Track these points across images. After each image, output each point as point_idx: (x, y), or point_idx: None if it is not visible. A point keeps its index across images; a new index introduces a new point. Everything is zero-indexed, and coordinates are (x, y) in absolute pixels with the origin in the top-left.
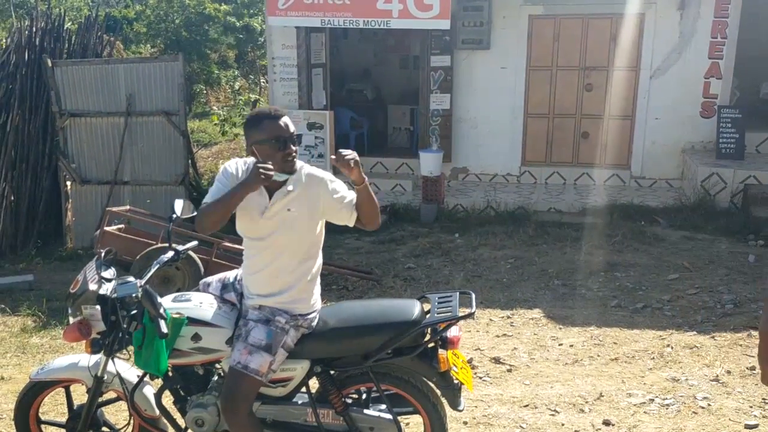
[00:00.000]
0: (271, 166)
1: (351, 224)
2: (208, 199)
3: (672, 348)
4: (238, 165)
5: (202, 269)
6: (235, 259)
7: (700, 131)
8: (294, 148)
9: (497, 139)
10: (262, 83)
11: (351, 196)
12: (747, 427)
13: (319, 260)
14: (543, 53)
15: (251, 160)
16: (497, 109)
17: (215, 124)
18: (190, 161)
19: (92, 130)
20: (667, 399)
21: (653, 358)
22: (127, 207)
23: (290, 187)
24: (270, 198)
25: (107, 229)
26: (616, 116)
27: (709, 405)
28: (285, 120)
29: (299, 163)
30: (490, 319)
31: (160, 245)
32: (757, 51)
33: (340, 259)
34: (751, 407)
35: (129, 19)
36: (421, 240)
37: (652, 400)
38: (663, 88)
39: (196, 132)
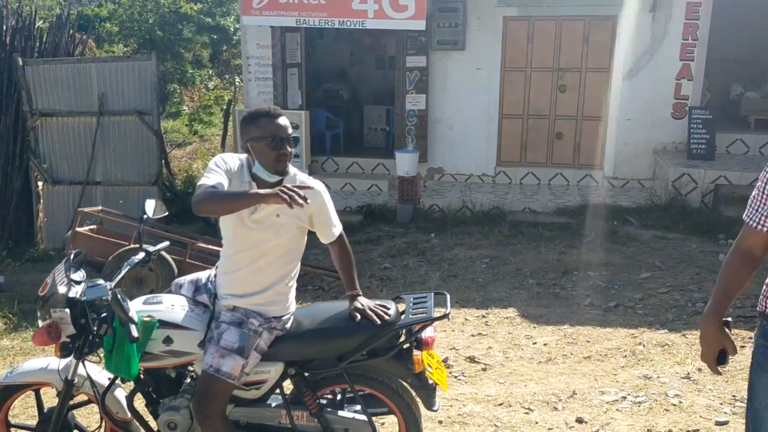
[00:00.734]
0: (300, 196)
1: (326, 242)
2: (207, 182)
3: (644, 346)
4: (233, 159)
5: (176, 270)
6: (209, 259)
7: (672, 132)
8: (289, 149)
9: (472, 139)
10: (237, 83)
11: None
12: (717, 423)
13: (299, 263)
14: (517, 54)
15: (245, 156)
16: (472, 110)
17: (186, 124)
18: (163, 161)
19: (64, 129)
20: (639, 396)
21: (625, 356)
22: (100, 207)
23: None
24: None
25: (79, 229)
26: (589, 117)
27: (680, 402)
28: (283, 120)
29: (293, 170)
30: (466, 319)
31: (132, 246)
32: (727, 53)
33: (316, 260)
34: (721, 404)
35: (101, 18)
36: (397, 240)
37: (625, 397)
38: (635, 89)
39: (170, 132)
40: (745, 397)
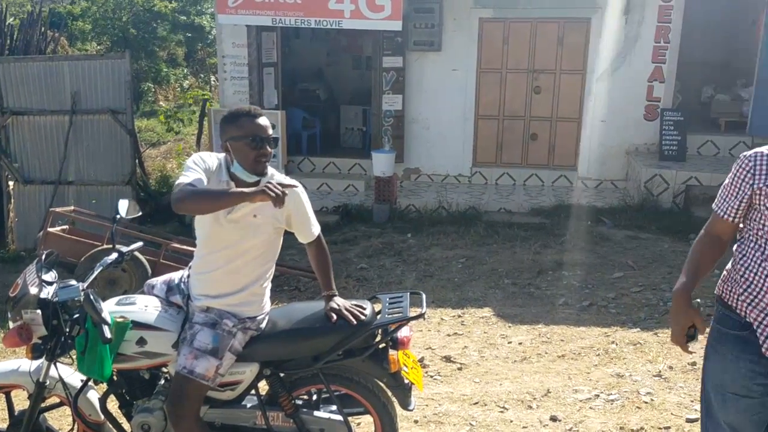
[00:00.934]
0: (283, 192)
1: (305, 241)
2: (186, 180)
3: (616, 345)
4: (212, 158)
5: (150, 271)
6: (183, 260)
7: (644, 133)
8: (269, 149)
9: (449, 140)
10: (212, 82)
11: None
12: (688, 420)
13: (274, 264)
14: (493, 56)
15: (223, 155)
16: (449, 111)
17: (162, 122)
18: (137, 161)
19: (36, 128)
20: (611, 394)
21: (599, 354)
22: (72, 207)
23: None
24: None
25: (51, 230)
26: (563, 118)
27: (652, 400)
28: (264, 120)
29: (271, 170)
30: (442, 318)
31: (105, 246)
32: (698, 56)
33: (292, 260)
34: (692, 401)
35: (74, 16)
36: (374, 240)
37: (598, 395)
38: (608, 91)
39: (144, 131)
40: None
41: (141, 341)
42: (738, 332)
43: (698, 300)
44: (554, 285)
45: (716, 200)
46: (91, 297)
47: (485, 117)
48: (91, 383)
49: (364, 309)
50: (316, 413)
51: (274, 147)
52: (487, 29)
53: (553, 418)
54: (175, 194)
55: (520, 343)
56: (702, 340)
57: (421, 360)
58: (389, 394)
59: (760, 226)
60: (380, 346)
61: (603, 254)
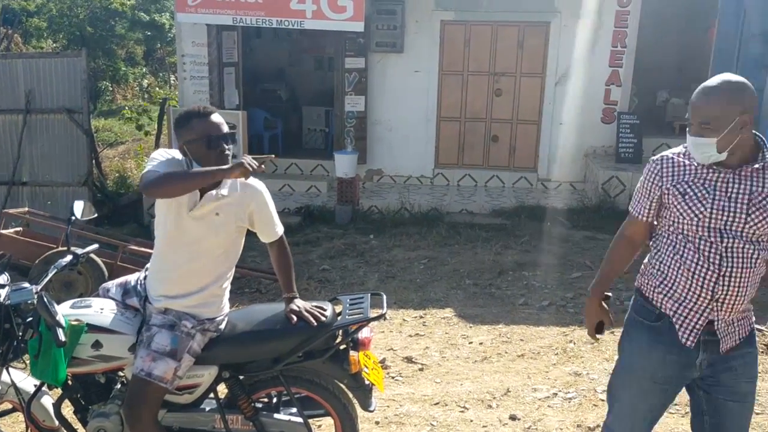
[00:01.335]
0: (255, 165)
1: (267, 241)
2: (158, 168)
3: (574, 344)
4: (177, 153)
5: (106, 273)
6: (140, 262)
7: (602, 136)
8: (227, 146)
9: (411, 141)
10: (172, 81)
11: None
12: None
13: (234, 265)
14: (455, 58)
15: (183, 160)
16: (411, 112)
17: (128, 118)
18: (94, 161)
19: None
20: (569, 393)
21: (557, 353)
22: (26, 209)
23: (224, 191)
24: (201, 197)
25: (3, 232)
26: (523, 121)
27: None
28: (216, 117)
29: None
30: (404, 319)
31: (60, 249)
32: (654, 60)
33: (253, 262)
34: None
35: (29, 12)
36: (336, 241)
37: (556, 394)
38: (567, 94)
39: (102, 131)
40: None
41: (96, 344)
42: (653, 323)
43: (610, 294)
44: (514, 285)
45: (631, 203)
46: (45, 299)
47: (447, 119)
48: (45, 388)
49: (325, 310)
50: (276, 416)
51: (233, 143)
52: (449, 32)
53: (513, 417)
54: (147, 178)
55: (480, 343)
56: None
57: (382, 361)
58: (350, 395)
59: (671, 223)
60: (341, 348)
61: (562, 255)
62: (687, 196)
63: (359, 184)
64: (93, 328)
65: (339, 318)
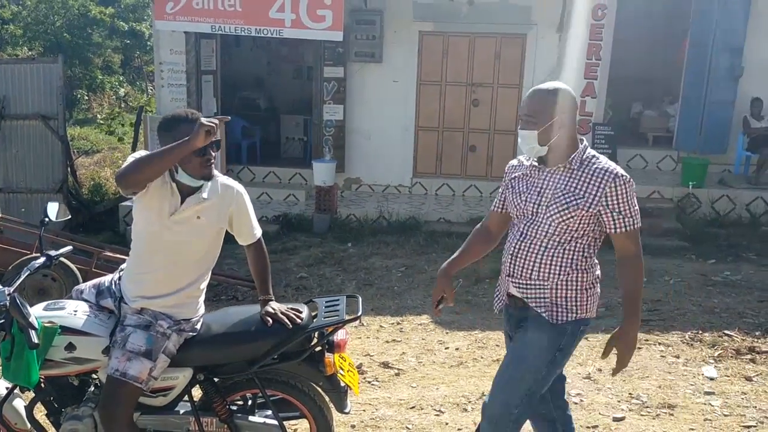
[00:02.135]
0: (215, 122)
1: (245, 243)
2: (130, 160)
3: None
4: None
5: (81, 279)
6: (115, 269)
7: None
8: (213, 153)
9: (390, 150)
10: (149, 90)
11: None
12: (615, 419)
13: (212, 267)
14: (433, 68)
15: None
16: (389, 121)
17: (101, 124)
18: (69, 168)
19: None
20: None
21: None
22: None
23: (205, 195)
24: (182, 202)
25: None
26: (501, 131)
27: (581, 400)
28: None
29: (215, 172)
30: (381, 326)
31: (33, 255)
32: (627, 73)
33: (230, 269)
34: (619, 402)
35: (4, 20)
36: (314, 250)
37: None
38: None
39: (77, 139)
40: (641, 394)
41: (70, 347)
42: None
43: (460, 280)
44: (491, 293)
45: (494, 201)
46: (18, 300)
47: (425, 128)
48: (17, 391)
49: (300, 312)
50: (251, 418)
51: (217, 150)
52: (427, 42)
53: None
54: (120, 171)
55: (456, 349)
56: None
57: (359, 366)
58: (325, 397)
59: (512, 208)
60: (316, 350)
61: None
62: (514, 190)
63: (337, 192)
64: (66, 330)
65: (314, 320)
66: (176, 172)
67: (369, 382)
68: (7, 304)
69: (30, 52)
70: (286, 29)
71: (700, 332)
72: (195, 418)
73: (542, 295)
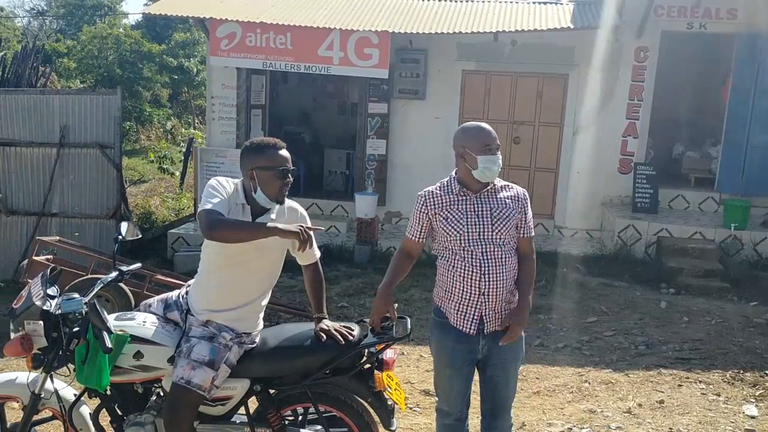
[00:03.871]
0: (311, 233)
1: (306, 263)
2: (211, 207)
3: (589, 383)
4: (229, 183)
5: (133, 302)
6: (164, 292)
7: (618, 186)
8: (291, 180)
9: (430, 185)
10: (196, 124)
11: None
12: None
13: (273, 285)
14: (475, 106)
15: (239, 181)
16: (430, 157)
17: (151, 161)
18: (121, 196)
19: (22, 159)
20: (583, 428)
21: (572, 392)
22: (57, 237)
23: (273, 216)
24: (252, 221)
25: (36, 258)
26: (541, 169)
27: None
28: (286, 152)
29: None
30: (421, 355)
31: (88, 277)
32: (670, 114)
33: (273, 297)
34: None
35: (59, 54)
36: (355, 280)
37: (570, 429)
38: (584, 144)
39: (126, 169)
40: (681, 429)
41: (138, 355)
42: (442, 319)
43: (397, 304)
44: (531, 327)
45: (407, 227)
46: (97, 306)
47: None
48: (84, 398)
49: (353, 330)
50: (302, 431)
51: (293, 178)
52: (470, 81)
53: None
54: (208, 221)
55: None
56: None
57: None
58: (373, 415)
59: (442, 243)
60: (366, 367)
61: (578, 300)
62: (449, 220)
63: (378, 225)
64: (135, 339)
65: (365, 338)
66: (254, 192)
67: (410, 408)
68: (84, 311)
69: (82, 85)
70: (333, 66)
71: (741, 372)
72: (250, 428)
73: (512, 300)
